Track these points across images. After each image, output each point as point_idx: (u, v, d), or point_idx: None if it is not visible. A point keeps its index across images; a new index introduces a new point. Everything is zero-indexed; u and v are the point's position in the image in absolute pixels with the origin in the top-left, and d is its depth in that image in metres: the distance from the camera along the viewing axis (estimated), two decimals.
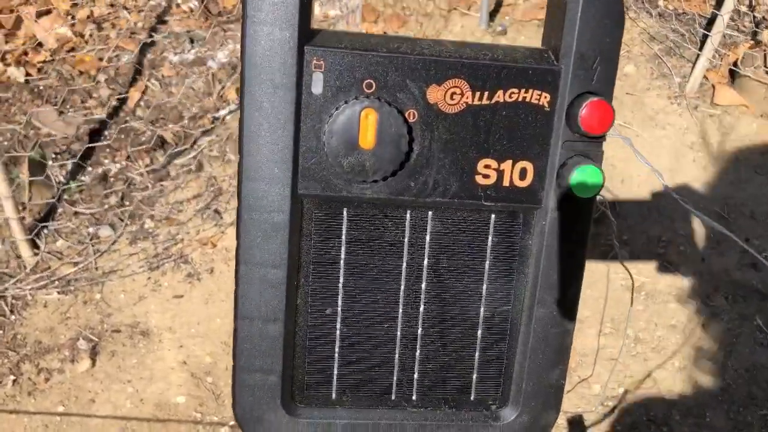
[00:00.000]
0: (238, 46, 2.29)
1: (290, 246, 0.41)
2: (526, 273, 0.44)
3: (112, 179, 1.94)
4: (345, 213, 0.42)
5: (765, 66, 2.12)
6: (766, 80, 2.09)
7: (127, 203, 1.88)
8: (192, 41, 2.29)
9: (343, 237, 0.42)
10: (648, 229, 1.84)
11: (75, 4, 2.36)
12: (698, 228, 1.87)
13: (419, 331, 0.45)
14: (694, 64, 2.20)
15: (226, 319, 1.66)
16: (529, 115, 0.41)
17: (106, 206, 1.87)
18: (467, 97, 0.40)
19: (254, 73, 0.39)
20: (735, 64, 2.17)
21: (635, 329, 1.66)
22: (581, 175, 0.40)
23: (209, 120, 2.10)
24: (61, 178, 1.91)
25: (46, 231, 1.81)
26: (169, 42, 2.28)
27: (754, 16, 2.33)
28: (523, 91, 0.41)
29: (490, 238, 0.43)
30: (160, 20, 2.33)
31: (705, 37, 2.20)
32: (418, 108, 0.40)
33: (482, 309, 0.45)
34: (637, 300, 1.69)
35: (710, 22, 2.25)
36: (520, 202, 0.42)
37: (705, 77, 2.18)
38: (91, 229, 1.83)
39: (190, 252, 1.80)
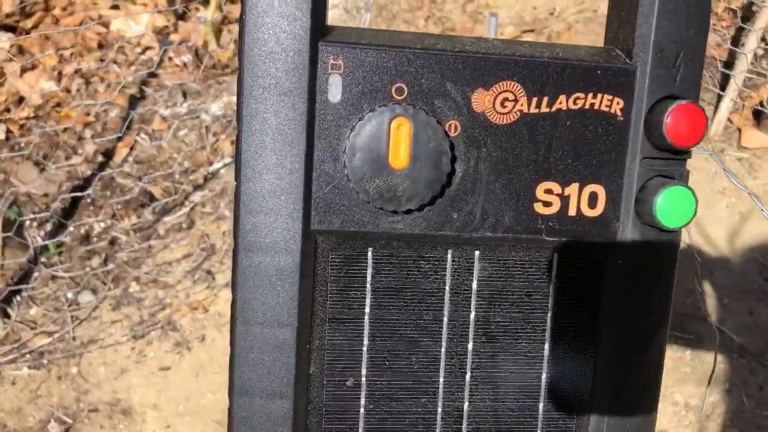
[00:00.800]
0: (234, 99, 2.18)
1: (301, 297, 0.34)
2: (597, 327, 0.36)
3: (95, 239, 1.78)
4: (370, 254, 0.35)
5: None
6: None
7: (111, 265, 1.72)
8: (185, 94, 2.18)
9: (368, 285, 0.35)
10: (685, 280, 1.68)
11: (62, 60, 2.25)
12: (740, 277, 1.71)
13: (465, 405, 0.37)
14: (716, 107, 2.10)
15: (220, 394, 1.48)
16: (598, 126, 0.34)
17: (88, 268, 1.70)
18: (522, 105, 0.34)
19: (255, 76, 0.32)
20: (760, 105, 2.07)
21: (684, 394, 1.48)
22: (670, 199, 0.34)
23: (202, 174, 1.96)
24: (39, 239, 1.75)
25: (18, 297, 1.64)
26: (160, 95, 2.17)
27: None
28: (590, 96, 0.34)
29: (552, 282, 0.36)
30: (152, 74, 2.23)
31: (724, 79, 2.11)
32: (462, 118, 0.34)
33: (544, 375, 0.37)
34: (681, 361, 1.52)
35: (726, 65, 2.17)
36: (590, 236, 0.35)
37: (729, 120, 2.08)
38: (69, 294, 1.66)
39: (179, 318, 1.63)
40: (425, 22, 2.51)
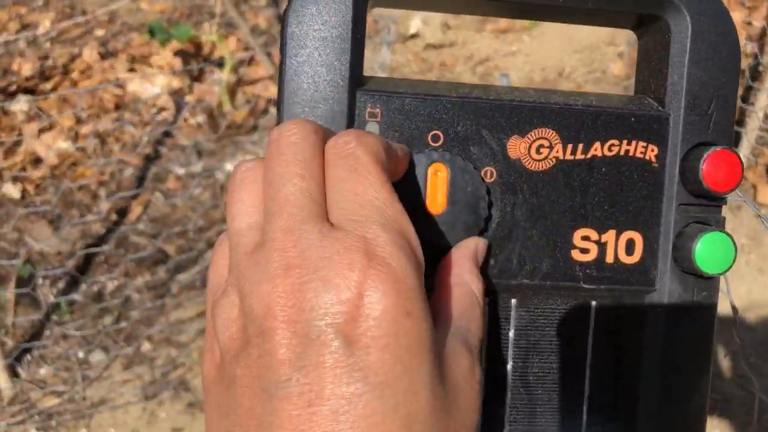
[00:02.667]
0: (248, 158, 2.20)
1: None
2: (638, 377, 0.35)
3: (107, 297, 1.76)
4: None
5: None
6: None
7: (123, 323, 1.69)
8: (200, 153, 2.20)
9: None
10: (739, 351, 1.65)
11: (79, 121, 2.29)
12: (765, 335, 1.67)
13: None
14: None
15: None
16: (633, 173, 0.34)
17: (100, 327, 1.68)
18: (557, 151, 0.34)
19: None
20: None
21: None
22: (709, 245, 0.33)
23: (215, 232, 1.95)
24: (52, 298, 1.73)
25: (29, 356, 1.61)
26: (175, 155, 2.19)
27: None
28: (625, 142, 0.34)
29: (590, 332, 0.35)
30: (167, 134, 2.25)
31: (736, 137, 2.12)
32: (497, 165, 0.34)
33: (583, 428, 0.35)
34: (709, 423, 1.46)
35: (737, 124, 2.19)
36: (629, 283, 0.35)
37: (744, 176, 2.08)
38: (81, 354, 1.63)
39: (192, 378, 1.59)
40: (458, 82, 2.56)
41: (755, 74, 2.24)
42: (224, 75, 2.28)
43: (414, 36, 2.78)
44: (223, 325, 0.27)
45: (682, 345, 0.35)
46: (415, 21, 2.76)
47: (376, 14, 2.45)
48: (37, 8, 2.85)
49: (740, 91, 2.31)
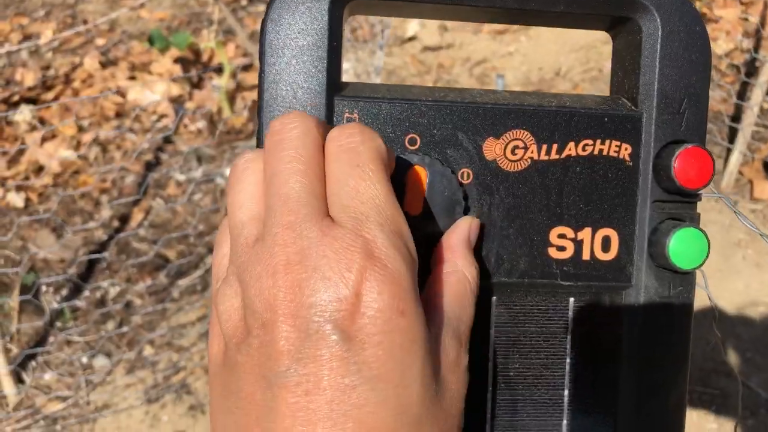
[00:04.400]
0: None
1: None
2: (616, 372, 0.36)
3: (110, 303, 1.78)
4: None
5: None
6: None
7: (125, 328, 1.71)
8: (200, 159, 2.22)
9: None
10: (707, 334, 1.65)
11: (81, 129, 2.31)
12: (762, 330, 1.67)
13: None
14: (726, 160, 2.11)
15: None
16: (608, 171, 0.35)
17: (103, 333, 1.69)
18: (532, 152, 0.35)
19: None
20: None
21: None
22: (682, 241, 0.34)
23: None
24: (55, 304, 1.75)
25: (33, 363, 1.63)
26: (175, 161, 2.21)
27: None
28: (598, 142, 0.35)
29: (569, 328, 0.36)
30: (167, 140, 2.27)
31: (732, 133, 2.12)
32: (473, 166, 0.34)
33: (565, 423, 0.36)
34: (706, 418, 1.47)
35: (734, 120, 2.19)
36: (605, 279, 0.35)
37: (740, 172, 2.08)
38: (84, 359, 1.65)
39: (194, 381, 1.60)
40: (434, 85, 2.57)
41: (752, 70, 2.24)
42: (223, 81, 2.30)
43: (412, 39, 2.79)
44: (226, 314, 0.28)
45: (660, 339, 0.35)
46: (413, 24, 2.77)
47: (372, 20, 2.46)
48: (38, 19, 2.88)
49: (736, 87, 2.31)
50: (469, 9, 0.35)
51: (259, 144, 0.34)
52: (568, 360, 0.36)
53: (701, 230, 0.34)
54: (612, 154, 0.35)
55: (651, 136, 0.35)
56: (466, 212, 0.34)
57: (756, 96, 2.03)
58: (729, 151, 2.11)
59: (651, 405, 0.36)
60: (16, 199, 2.10)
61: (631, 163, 0.35)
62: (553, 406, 0.36)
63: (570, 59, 2.63)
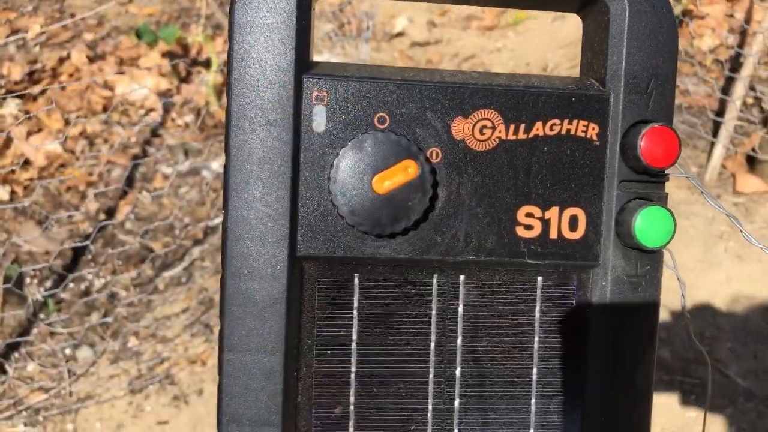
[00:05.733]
0: None
1: (288, 324, 0.34)
2: (584, 349, 0.36)
3: (94, 294, 1.78)
4: (357, 279, 0.35)
5: None
6: None
7: (110, 319, 1.71)
8: (186, 153, 2.22)
9: (355, 311, 0.35)
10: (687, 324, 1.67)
11: (67, 123, 2.31)
12: (743, 321, 1.69)
13: None
14: (710, 154, 2.12)
15: None
16: (575, 151, 0.35)
17: (87, 324, 1.69)
18: (500, 131, 0.35)
19: (242, 108, 0.33)
20: (752, 150, 2.09)
21: None
22: (647, 219, 0.34)
23: (201, 229, 1.97)
24: (39, 296, 1.75)
25: (16, 354, 1.62)
26: (162, 155, 2.21)
27: (762, 107, 2.28)
28: (566, 122, 0.35)
29: (537, 306, 0.36)
30: (155, 134, 2.27)
31: (716, 127, 2.14)
32: (442, 145, 0.34)
33: (533, 401, 0.36)
34: (686, 404, 1.48)
35: (718, 114, 2.21)
36: (573, 258, 0.35)
37: (723, 166, 2.09)
38: (68, 350, 1.64)
39: (177, 372, 1.61)
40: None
41: (736, 65, 2.25)
42: (211, 75, 2.30)
43: (400, 34, 2.80)
44: None
45: (627, 318, 0.36)
46: (401, 19, 2.78)
47: (359, 14, 2.47)
48: (26, 13, 2.87)
49: (721, 83, 2.33)
50: None
51: (228, 121, 0.34)
52: (536, 339, 0.36)
53: (668, 209, 0.35)
54: (579, 134, 0.35)
55: (618, 116, 0.35)
56: (434, 188, 0.34)
57: (738, 90, 2.05)
58: (713, 145, 2.13)
59: (619, 383, 0.36)
60: (1, 192, 2.10)
61: (598, 143, 0.35)
62: (522, 385, 0.36)
63: (557, 55, 2.64)
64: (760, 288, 1.79)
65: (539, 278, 0.36)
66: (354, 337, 0.35)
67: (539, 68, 2.62)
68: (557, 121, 0.35)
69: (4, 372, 1.59)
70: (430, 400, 0.36)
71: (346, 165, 0.33)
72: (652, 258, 0.36)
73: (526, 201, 0.35)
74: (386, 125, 0.34)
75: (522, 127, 0.35)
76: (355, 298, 0.35)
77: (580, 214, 0.36)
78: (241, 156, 0.33)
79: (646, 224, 0.34)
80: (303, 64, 0.34)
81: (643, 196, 0.36)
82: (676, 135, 0.35)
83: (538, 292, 0.36)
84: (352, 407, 0.35)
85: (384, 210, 0.33)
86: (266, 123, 0.33)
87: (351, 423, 0.35)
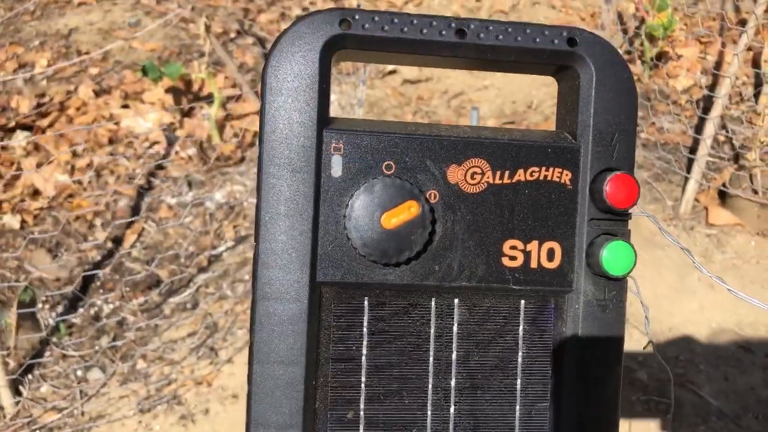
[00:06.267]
0: (236, 188, 2.32)
1: (308, 340, 0.39)
2: (560, 364, 0.41)
3: (104, 319, 1.87)
4: (366, 302, 0.40)
5: (752, 186, 2.17)
6: (757, 199, 2.12)
7: (119, 343, 1.80)
8: (190, 184, 2.32)
9: (365, 329, 0.40)
10: (665, 349, 1.78)
11: (75, 155, 2.41)
12: (715, 346, 1.80)
13: None
14: (684, 188, 2.25)
15: None
16: (552, 194, 0.40)
17: (97, 347, 1.78)
18: (488, 177, 0.40)
19: (272, 157, 0.39)
20: (723, 185, 2.22)
21: None
22: (613, 252, 0.39)
23: (206, 258, 2.07)
24: (51, 321, 1.84)
25: (30, 376, 1.71)
26: (167, 186, 2.31)
27: (732, 144, 2.42)
28: (544, 169, 0.40)
29: (521, 326, 0.41)
30: (159, 166, 2.38)
31: (690, 162, 2.27)
32: (439, 188, 0.39)
33: (518, 408, 0.41)
34: (663, 424, 1.58)
35: (692, 151, 2.34)
36: (551, 284, 0.40)
37: (696, 199, 2.22)
38: (79, 372, 1.73)
39: (184, 392, 1.69)
40: (413, 116, 2.70)
41: (709, 105, 2.40)
42: (213, 110, 2.41)
43: (393, 72, 2.93)
44: None
45: (597, 336, 0.40)
46: None
47: None
48: (33, 48, 2.99)
49: (694, 122, 2.47)
50: (438, 59, 0.41)
51: (260, 167, 0.39)
52: (520, 354, 0.41)
53: (630, 244, 0.40)
54: (555, 179, 0.40)
55: (588, 164, 0.40)
56: (433, 225, 0.39)
57: (708, 129, 2.18)
58: (687, 180, 2.26)
59: (590, 393, 0.41)
60: (12, 222, 2.19)
61: (571, 187, 0.40)
62: (508, 393, 0.41)
63: (541, 93, 2.78)
64: (729, 315, 1.91)
65: (522, 302, 0.41)
66: (364, 351, 0.40)
67: (525, 105, 2.75)
68: (536, 169, 0.40)
69: (19, 393, 1.66)
70: (429, 407, 0.40)
71: (359, 205, 0.38)
72: (618, 284, 0.40)
73: (511, 236, 0.40)
74: (393, 171, 0.39)
75: (507, 173, 0.40)
76: (365, 317, 0.40)
77: (557, 247, 0.40)
78: (270, 197, 0.38)
79: (612, 256, 0.39)
80: (323, 120, 0.39)
81: (609, 232, 0.40)
82: (635, 181, 0.40)
83: (522, 313, 0.41)
84: (362, 413, 0.40)
85: (391, 243, 0.38)
86: (292, 170, 0.39)
87: (361, 426, 0.40)
